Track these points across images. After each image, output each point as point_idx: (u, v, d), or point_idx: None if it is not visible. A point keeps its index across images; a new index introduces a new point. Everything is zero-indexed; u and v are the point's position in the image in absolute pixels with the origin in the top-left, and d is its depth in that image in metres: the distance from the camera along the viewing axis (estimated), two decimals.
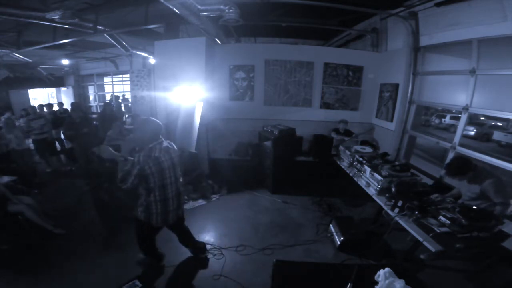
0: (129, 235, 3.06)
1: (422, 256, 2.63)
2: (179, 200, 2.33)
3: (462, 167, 2.39)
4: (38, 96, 10.80)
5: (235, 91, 5.25)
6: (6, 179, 3.32)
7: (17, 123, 5.14)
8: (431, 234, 2.04)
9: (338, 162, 3.91)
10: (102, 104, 10.02)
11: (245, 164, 5.14)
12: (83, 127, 4.37)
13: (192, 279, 2.46)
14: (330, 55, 5.16)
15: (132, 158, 2.04)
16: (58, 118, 6.11)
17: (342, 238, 2.87)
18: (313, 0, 3.89)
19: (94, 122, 5.58)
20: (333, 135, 4.89)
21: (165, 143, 2.17)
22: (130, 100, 9.09)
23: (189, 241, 2.67)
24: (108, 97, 10.05)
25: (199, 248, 2.75)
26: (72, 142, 4.62)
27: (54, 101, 9.53)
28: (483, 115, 9.12)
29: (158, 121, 2.18)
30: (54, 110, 6.80)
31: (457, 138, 3.61)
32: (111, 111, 6.34)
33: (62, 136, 5.97)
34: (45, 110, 6.62)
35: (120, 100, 10.07)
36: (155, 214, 2.16)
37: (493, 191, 2.25)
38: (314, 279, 1.50)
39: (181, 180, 2.36)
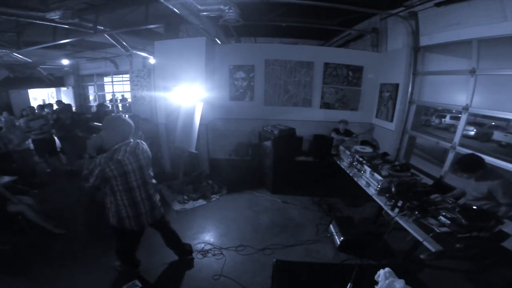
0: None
1: (422, 256, 2.63)
2: (151, 202, 2.18)
3: (474, 164, 2.36)
4: (38, 96, 10.80)
5: (235, 91, 5.25)
6: (6, 179, 3.32)
7: (16, 123, 5.14)
8: (431, 234, 2.04)
9: (338, 162, 3.91)
10: (98, 104, 10.06)
11: (245, 164, 5.14)
12: (73, 128, 4.34)
13: (192, 279, 2.46)
14: (330, 55, 5.16)
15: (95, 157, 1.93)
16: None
17: (342, 238, 2.87)
18: (313, 0, 3.89)
19: (95, 123, 5.57)
20: (333, 135, 4.89)
21: (133, 144, 2.04)
22: (129, 100, 9.08)
23: (175, 244, 2.62)
24: (108, 97, 10.04)
25: (185, 251, 2.69)
26: (64, 143, 4.60)
27: (53, 101, 9.51)
28: (483, 115, 9.11)
29: (129, 121, 2.06)
30: (55, 110, 6.79)
31: (457, 138, 3.61)
32: (105, 112, 6.33)
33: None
34: (46, 110, 6.64)
35: (118, 100, 10.05)
36: (126, 218, 2.04)
37: (501, 192, 2.22)
38: (314, 279, 1.50)
39: (153, 181, 2.22)
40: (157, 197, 2.29)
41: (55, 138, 5.84)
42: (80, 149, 4.37)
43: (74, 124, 4.44)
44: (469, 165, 2.37)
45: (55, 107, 7.35)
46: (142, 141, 2.18)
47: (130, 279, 2.33)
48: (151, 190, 2.18)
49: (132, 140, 2.07)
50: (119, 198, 1.99)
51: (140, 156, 2.07)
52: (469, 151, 3.40)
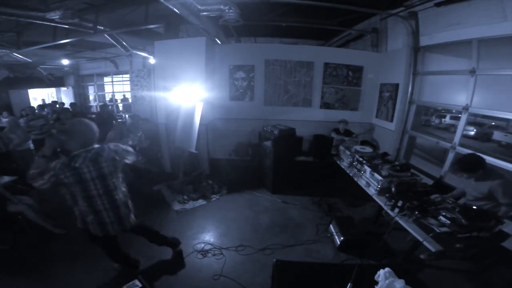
0: (129, 234, 3.08)
1: (422, 256, 2.63)
2: (119, 212, 2.04)
3: (474, 164, 2.35)
4: (38, 96, 10.80)
5: (235, 91, 5.25)
6: (6, 179, 3.32)
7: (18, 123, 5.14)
8: (431, 234, 2.04)
9: (338, 162, 3.91)
10: (101, 104, 10.05)
11: (245, 164, 5.15)
12: None
13: (192, 279, 2.46)
14: (330, 55, 5.16)
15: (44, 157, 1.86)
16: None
17: (342, 238, 2.87)
18: (313, 0, 3.89)
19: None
20: (333, 135, 4.90)
21: (95, 151, 1.91)
22: (129, 100, 9.08)
23: (160, 241, 2.62)
24: (108, 97, 10.04)
25: (173, 244, 2.70)
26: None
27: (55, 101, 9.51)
28: (483, 115, 9.11)
29: (93, 127, 1.93)
30: (55, 110, 6.79)
31: (457, 138, 3.61)
32: (108, 112, 6.33)
33: None
34: (46, 110, 6.64)
35: (119, 100, 10.04)
36: (90, 223, 1.95)
37: (501, 192, 2.22)
38: (314, 279, 1.50)
39: (122, 189, 2.11)
40: (128, 206, 2.17)
41: None
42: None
43: None
44: (469, 165, 2.36)
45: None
46: (110, 147, 2.03)
47: (130, 279, 2.33)
48: (118, 200, 2.03)
49: (95, 146, 1.94)
50: (81, 204, 1.91)
51: (103, 164, 1.92)
52: (469, 151, 3.41)
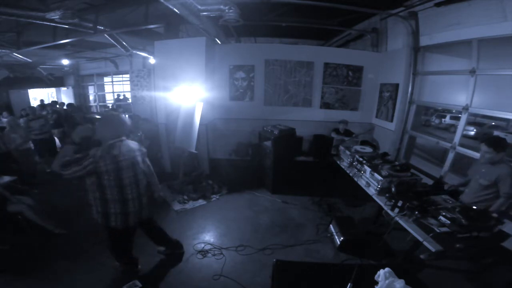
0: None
1: (422, 256, 2.63)
2: (141, 201, 2.15)
3: (504, 143, 2.39)
4: (38, 96, 10.80)
5: (235, 91, 5.25)
6: (6, 179, 3.32)
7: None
8: (431, 234, 2.03)
9: (338, 162, 3.91)
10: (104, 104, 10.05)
11: (245, 164, 5.14)
12: None
13: (192, 279, 2.46)
14: (330, 55, 5.16)
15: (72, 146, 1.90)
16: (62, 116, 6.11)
17: (342, 238, 2.87)
18: (313, 0, 3.89)
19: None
20: (333, 135, 4.89)
21: (126, 142, 2.05)
22: (129, 100, 9.08)
23: (164, 242, 2.65)
24: (108, 97, 10.04)
25: (174, 247, 2.71)
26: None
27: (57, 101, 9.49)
28: (483, 115, 9.11)
29: (124, 119, 2.08)
30: (54, 110, 6.78)
31: (457, 138, 3.61)
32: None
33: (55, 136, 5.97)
34: (47, 109, 6.64)
35: (121, 98, 10.02)
36: (113, 215, 2.00)
37: (509, 182, 2.25)
38: (314, 279, 1.50)
39: (144, 182, 2.21)
40: (146, 196, 2.24)
41: (55, 138, 5.85)
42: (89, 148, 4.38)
43: (85, 123, 4.45)
44: (500, 142, 2.38)
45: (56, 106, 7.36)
46: (135, 142, 2.18)
47: (130, 279, 2.33)
48: (142, 188, 2.16)
49: (125, 138, 2.08)
50: (109, 193, 1.95)
51: (136, 153, 2.09)
52: (470, 151, 3.42)
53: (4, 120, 5.94)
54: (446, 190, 2.81)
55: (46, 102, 9.23)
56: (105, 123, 2.05)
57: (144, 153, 2.21)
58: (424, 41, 4.05)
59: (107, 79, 9.82)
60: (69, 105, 6.74)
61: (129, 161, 2.01)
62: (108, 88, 10.05)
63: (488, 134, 2.46)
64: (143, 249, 2.82)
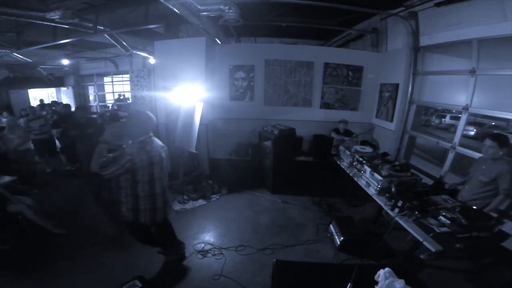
0: (129, 235, 3.07)
1: (422, 256, 2.63)
2: (165, 197, 2.24)
3: (506, 139, 2.42)
4: (38, 96, 10.81)
5: (235, 91, 5.25)
6: (6, 179, 3.32)
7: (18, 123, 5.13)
8: (431, 234, 2.03)
9: (338, 162, 3.91)
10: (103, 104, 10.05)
11: (245, 164, 5.14)
12: (88, 127, 4.37)
13: (192, 279, 2.46)
14: (330, 55, 5.16)
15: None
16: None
17: (342, 238, 2.86)
18: (313, 0, 3.89)
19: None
20: (333, 135, 4.89)
21: (154, 138, 2.12)
22: (129, 100, 9.07)
23: (166, 241, 2.60)
24: (108, 97, 10.04)
25: (176, 248, 2.66)
26: (76, 142, 4.61)
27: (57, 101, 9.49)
28: (483, 115, 9.10)
29: (152, 116, 2.12)
30: (54, 110, 6.77)
31: (457, 138, 3.61)
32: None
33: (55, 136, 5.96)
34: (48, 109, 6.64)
35: (121, 98, 10.02)
36: (143, 211, 2.07)
37: (509, 178, 2.27)
38: (314, 279, 1.50)
39: (167, 178, 2.28)
40: (169, 194, 2.35)
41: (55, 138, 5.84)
42: (92, 149, 4.38)
43: (88, 123, 4.43)
44: (504, 138, 2.41)
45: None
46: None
47: (130, 279, 2.33)
48: (166, 185, 2.24)
49: (152, 134, 2.14)
50: (140, 189, 2.02)
51: (160, 150, 2.13)
52: (470, 151, 3.42)
53: (4, 120, 5.93)
54: (446, 189, 2.81)
55: (46, 102, 9.25)
56: (134, 120, 2.08)
57: (166, 150, 2.25)
58: (424, 41, 4.05)
59: (107, 79, 9.82)
60: (65, 105, 6.73)
61: (158, 157, 2.07)
62: (108, 88, 10.05)
63: (488, 134, 2.50)
64: (143, 249, 2.83)
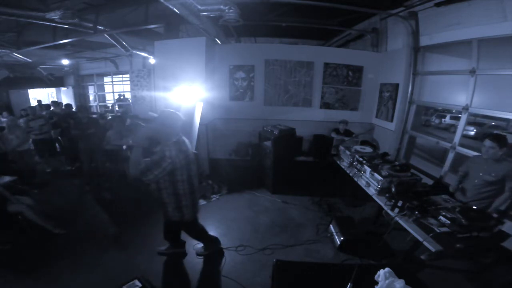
0: (129, 235, 3.08)
1: (422, 257, 2.62)
2: (197, 194, 2.37)
3: (505, 138, 2.44)
4: (38, 96, 10.80)
5: (235, 91, 5.25)
6: (6, 179, 3.32)
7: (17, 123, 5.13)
8: (431, 234, 2.04)
9: (338, 162, 3.91)
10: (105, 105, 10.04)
11: (245, 164, 5.14)
12: (89, 127, 4.37)
13: (192, 279, 2.46)
14: (330, 55, 5.16)
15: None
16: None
17: (342, 238, 2.87)
18: (313, 0, 3.89)
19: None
20: (333, 135, 4.89)
21: (184, 138, 2.21)
22: (129, 100, 9.06)
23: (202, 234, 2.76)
24: (108, 97, 10.02)
25: (211, 242, 2.80)
26: (77, 142, 4.62)
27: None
28: (483, 115, 9.10)
29: (180, 115, 2.19)
30: (52, 111, 6.74)
31: (457, 138, 3.61)
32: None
33: (59, 136, 5.97)
34: (52, 108, 6.67)
35: (121, 98, 10.00)
36: (185, 207, 2.19)
37: None
38: (314, 279, 1.50)
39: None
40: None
41: (59, 137, 5.85)
42: (92, 148, 4.39)
43: (89, 123, 4.44)
44: (503, 138, 2.43)
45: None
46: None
47: (130, 279, 2.33)
48: (197, 182, 2.34)
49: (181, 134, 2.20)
50: (181, 188, 2.10)
51: (189, 147, 2.24)
52: (470, 151, 3.42)
53: (4, 120, 5.94)
54: (450, 192, 2.79)
55: (46, 102, 9.23)
56: (165, 121, 2.07)
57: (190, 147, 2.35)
58: (424, 41, 4.05)
59: (107, 79, 9.81)
60: (67, 105, 6.72)
61: (192, 155, 2.19)
62: (108, 88, 10.04)
63: (488, 134, 2.51)
64: (142, 249, 2.83)
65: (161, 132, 2.04)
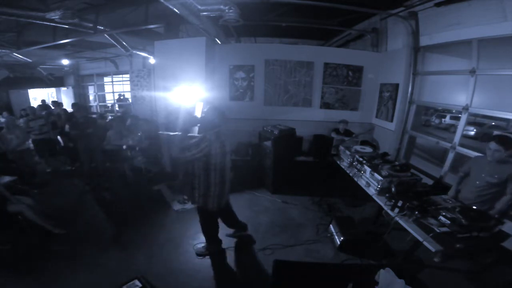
0: (129, 235, 3.08)
1: (435, 259, 2.59)
2: (228, 187, 2.53)
3: (511, 141, 2.38)
4: (38, 96, 10.80)
5: (235, 91, 5.25)
6: (6, 179, 3.32)
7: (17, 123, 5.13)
8: (431, 234, 2.04)
9: (338, 162, 3.91)
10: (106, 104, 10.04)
11: (245, 164, 5.14)
12: (87, 127, 4.37)
13: (192, 279, 2.46)
14: (330, 55, 5.16)
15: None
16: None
17: (342, 238, 2.87)
18: (313, 0, 3.89)
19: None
20: (333, 135, 4.89)
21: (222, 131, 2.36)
22: (129, 100, 9.06)
23: (233, 222, 2.93)
24: (108, 97, 10.02)
25: (242, 227, 2.99)
26: (76, 142, 4.61)
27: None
28: (483, 115, 9.10)
29: (223, 110, 2.39)
30: (50, 111, 6.73)
31: (457, 138, 3.61)
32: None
33: (59, 136, 5.97)
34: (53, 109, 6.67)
35: (121, 97, 10.00)
36: (211, 197, 2.35)
37: None
38: (314, 279, 1.50)
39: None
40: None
41: (57, 137, 5.85)
42: (91, 148, 4.39)
43: (87, 123, 4.43)
44: (510, 140, 2.37)
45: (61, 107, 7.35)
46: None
47: (130, 279, 2.33)
48: (229, 175, 2.52)
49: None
50: (212, 176, 2.30)
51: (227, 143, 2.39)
52: (470, 151, 3.42)
53: (3, 120, 5.94)
54: (452, 196, 2.76)
55: (46, 102, 9.23)
56: (213, 113, 2.33)
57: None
58: (424, 41, 4.05)
59: (107, 79, 9.80)
60: (74, 104, 6.70)
61: (228, 148, 2.38)
62: (108, 88, 10.04)
63: (488, 134, 2.49)
64: (142, 249, 2.83)
65: (206, 121, 2.33)
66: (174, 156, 2.29)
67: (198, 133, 2.37)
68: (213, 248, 2.75)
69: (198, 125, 2.45)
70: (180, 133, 2.32)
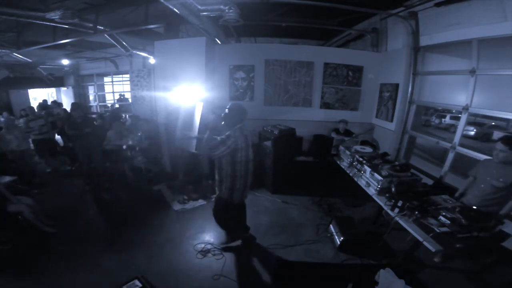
0: (129, 235, 3.08)
1: (436, 259, 2.59)
2: (250, 180, 2.60)
3: None
4: (38, 96, 10.79)
5: (235, 91, 5.24)
6: (6, 179, 3.32)
7: (16, 123, 5.13)
8: (431, 234, 2.03)
9: (338, 162, 3.91)
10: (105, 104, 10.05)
11: None
12: (85, 126, 4.36)
13: (192, 279, 2.46)
14: (330, 55, 5.16)
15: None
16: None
17: (342, 238, 2.86)
18: (313, 0, 3.89)
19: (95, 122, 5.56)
20: (333, 135, 4.89)
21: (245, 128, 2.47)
22: (129, 100, 9.06)
23: (240, 222, 2.93)
24: (108, 97, 10.02)
25: (244, 230, 2.99)
26: (74, 142, 4.61)
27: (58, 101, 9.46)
28: (483, 115, 9.09)
29: (244, 107, 2.50)
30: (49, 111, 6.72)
31: (457, 138, 3.61)
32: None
33: (58, 135, 5.97)
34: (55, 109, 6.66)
35: (122, 97, 10.00)
36: (237, 190, 2.46)
37: None
38: (314, 279, 1.50)
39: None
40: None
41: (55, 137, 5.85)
42: (90, 148, 4.39)
43: (85, 123, 4.42)
44: None
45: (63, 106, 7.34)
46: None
47: (130, 279, 2.33)
48: (252, 167, 2.58)
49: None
50: (238, 169, 2.41)
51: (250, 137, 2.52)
52: (470, 151, 3.42)
53: (3, 120, 5.94)
54: (456, 197, 2.72)
55: (47, 102, 9.24)
56: (235, 110, 2.46)
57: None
58: (424, 41, 4.05)
59: (107, 79, 9.80)
60: (72, 104, 6.71)
61: (251, 141, 2.50)
62: (108, 88, 10.03)
63: (488, 134, 2.48)
64: (142, 249, 2.83)
65: (230, 118, 2.43)
66: (203, 155, 2.47)
67: (223, 130, 2.45)
68: (231, 241, 2.89)
69: (222, 123, 2.51)
70: (206, 135, 2.45)
